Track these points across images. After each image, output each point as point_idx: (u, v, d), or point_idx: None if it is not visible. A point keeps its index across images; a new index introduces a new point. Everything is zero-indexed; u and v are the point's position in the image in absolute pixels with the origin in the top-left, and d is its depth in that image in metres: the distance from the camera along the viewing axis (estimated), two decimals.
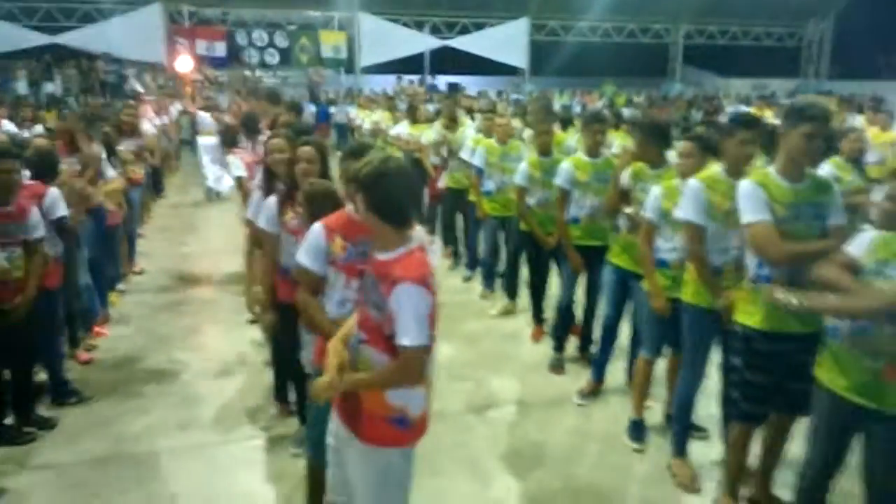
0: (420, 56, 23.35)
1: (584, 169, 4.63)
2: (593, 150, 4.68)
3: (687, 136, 3.89)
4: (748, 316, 3.09)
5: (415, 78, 21.85)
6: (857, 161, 5.72)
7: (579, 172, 4.62)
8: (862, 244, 2.64)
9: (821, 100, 3.26)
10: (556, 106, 18.35)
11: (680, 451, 3.72)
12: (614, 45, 25.35)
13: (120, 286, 6.58)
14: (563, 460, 3.84)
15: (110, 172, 6.07)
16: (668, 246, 3.75)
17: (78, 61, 19.35)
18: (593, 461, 3.85)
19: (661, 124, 4.23)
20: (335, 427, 2.53)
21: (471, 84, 21.97)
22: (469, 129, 7.50)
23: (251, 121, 6.35)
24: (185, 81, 17.61)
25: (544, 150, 5.23)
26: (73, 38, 19.71)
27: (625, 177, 4.15)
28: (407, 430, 2.39)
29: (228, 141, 7.82)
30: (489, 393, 4.67)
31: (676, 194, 3.63)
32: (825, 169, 5.68)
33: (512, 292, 6.19)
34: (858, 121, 10.65)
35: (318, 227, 2.75)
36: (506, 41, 23.11)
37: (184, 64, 18.95)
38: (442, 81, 23.32)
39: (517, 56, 23.54)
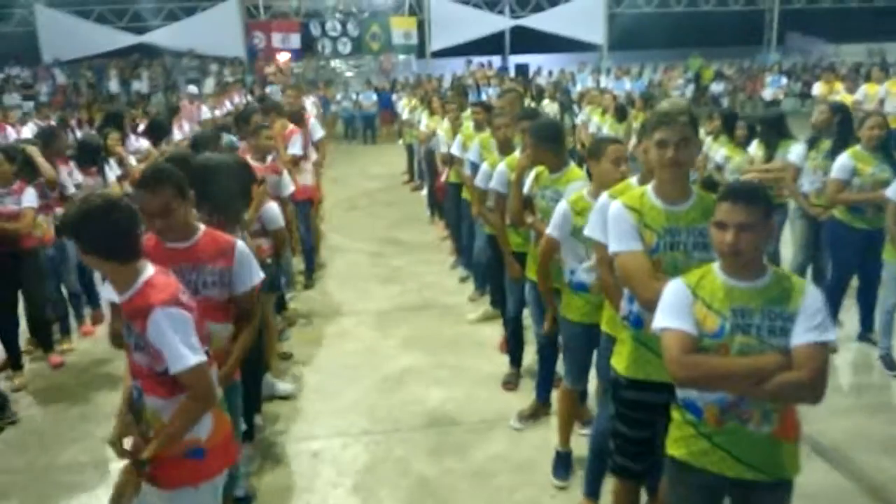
0: (491, 38, 22.79)
1: None
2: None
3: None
4: (618, 358, 2.68)
5: (485, 60, 21.34)
6: (882, 149, 4.88)
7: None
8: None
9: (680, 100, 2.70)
10: (628, 86, 17.34)
11: (591, 490, 3.32)
12: (702, 13, 23.60)
13: None
14: (462, 494, 3.54)
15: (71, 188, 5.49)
16: (585, 266, 3.33)
17: (163, 59, 20.50)
18: (496, 498, 3.52)
19: (551, 123, 3.76)
20: None
21: (547, 63, 21.18)
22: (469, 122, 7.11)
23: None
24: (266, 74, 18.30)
25: (503, 149, 4.83)
26: (159, 37, 20.78)
27: (527, 182, 3.74)
28: (205, 459, 2.29)
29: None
30: (424, 410, 4.41)
31: (588, 207, 3.22)
32: (841, 160, 4.93)
33: (496, 297, 5.83)
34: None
35: None
36: (581, 16, 22.06)
37: (282, 56, 20.41)
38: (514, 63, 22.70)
39: (594, 31, 22.46)
